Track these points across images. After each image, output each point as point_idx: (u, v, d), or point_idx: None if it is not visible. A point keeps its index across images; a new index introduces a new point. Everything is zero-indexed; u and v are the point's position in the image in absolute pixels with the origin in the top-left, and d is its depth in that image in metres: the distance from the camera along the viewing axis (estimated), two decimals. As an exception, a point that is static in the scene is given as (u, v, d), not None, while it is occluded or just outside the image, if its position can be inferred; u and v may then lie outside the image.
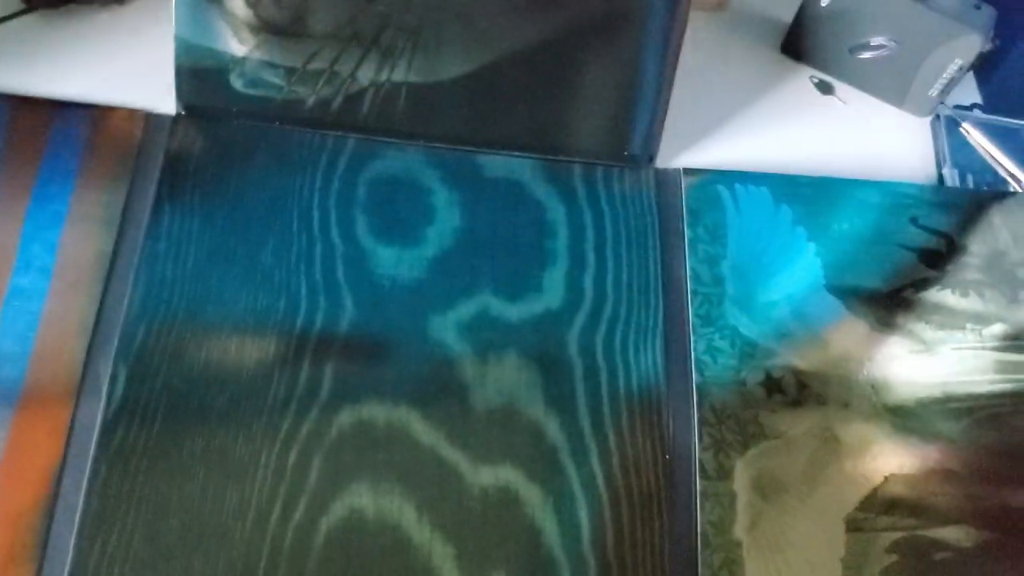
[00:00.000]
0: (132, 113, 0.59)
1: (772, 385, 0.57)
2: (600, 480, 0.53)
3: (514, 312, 0.57)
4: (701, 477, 0.54)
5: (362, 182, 0.60)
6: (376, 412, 0.53)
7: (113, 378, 0.51)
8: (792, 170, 0.64)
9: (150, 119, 0.59)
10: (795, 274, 0.60)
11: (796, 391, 0.57)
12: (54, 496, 0.48)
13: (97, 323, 0.53)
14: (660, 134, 0.63)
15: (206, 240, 0.56)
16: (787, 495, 0.54)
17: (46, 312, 0.52)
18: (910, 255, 0.62)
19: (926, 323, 0.60)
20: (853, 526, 0.54)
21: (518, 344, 0.56)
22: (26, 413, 0.50)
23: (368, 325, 0.55)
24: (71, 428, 0.50)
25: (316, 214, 0.58)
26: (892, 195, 0.64)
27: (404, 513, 0.51)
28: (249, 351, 0.53)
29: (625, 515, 0.53)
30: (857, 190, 0.64)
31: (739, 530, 0.53)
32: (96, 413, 0.50)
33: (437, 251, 0.58)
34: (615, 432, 0.54)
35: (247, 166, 0.59)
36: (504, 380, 0.55)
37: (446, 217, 0.59)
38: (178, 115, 0.60)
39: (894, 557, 0.54)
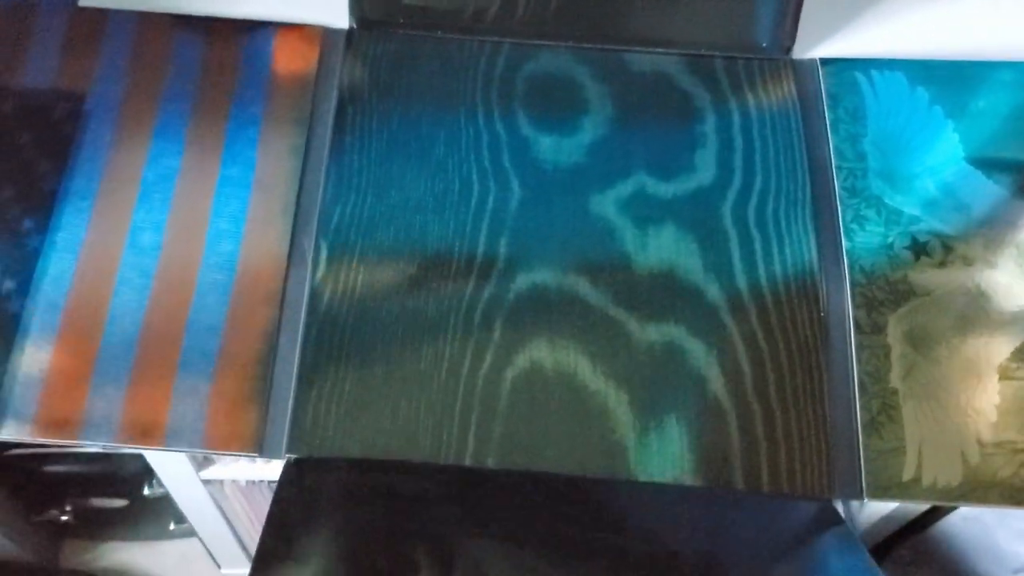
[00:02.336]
0: (311, 29, 0.66)
1: (919, 248, 0.60)
2: (760, 335, 0.57)
3: (669, 189, 0.61)
4: (856, 332, 0.57)
5: (519, 80, 0.65)
6: (548, 277, 0.58)
7: (316, 251, 0.57)
8: (927, 56, 0.67)
9: (327, 33, 0.66)
10: (935, 148, 0.63)
11: (942, 253, 0.60)
12: (273, 351, 0.55)
13: (298, 206, 0.59)
14: (796, 26, 0.66)
15: (385, 135, 0.62)
16: (939, 347, 0.57)
17: (253, 197, 0.59)
18: (1047, 127, 0.64)
19: (1068, 189, 0.62)
20: (1006, 375, 0.57)
21: (675, 217, 0.60)
22: (244, 281, 0.56)
23: (535, 203, 0.60)
24: (283, 295, 0.56)
25: (480, 110, 0.63)
26: (1026, 73, 0.66)
27: (579, 365, 0.56)
28: (431, 228, 0.59)
29: (785, 366, 0.56)
30: (991, 71, 0.66)
31: (895, 379, 0.56)
32: (304, 282, 0.57)
33: (593, 138, 0.63)
34: (771, 292, 0.58)
35: (415, 70, 0.65)
36: (663, 249, 0.59)
37: (599, 108, 0.64)
38: (351, 29, 0.66)
39: (1048, 403, 0.56)
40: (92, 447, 0.53)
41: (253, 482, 0.84)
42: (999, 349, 0.58)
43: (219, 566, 1.05)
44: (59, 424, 0.52)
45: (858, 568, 0.53)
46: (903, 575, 1.02)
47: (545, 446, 0.54)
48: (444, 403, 0.54)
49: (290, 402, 0.53)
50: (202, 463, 0.78)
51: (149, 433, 0.52)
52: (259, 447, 0.52)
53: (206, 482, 0.81)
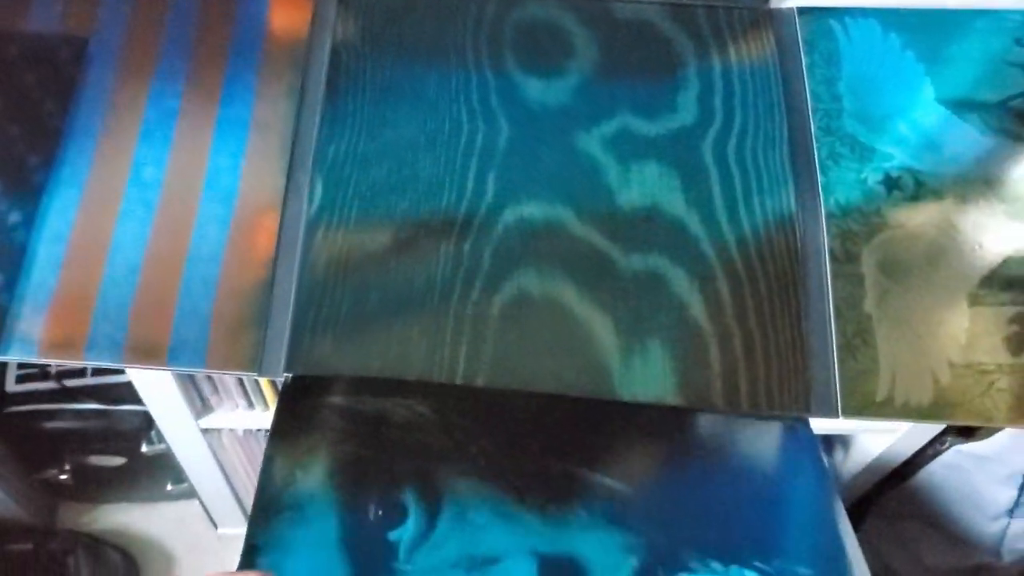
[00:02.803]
0: (306, -21, 0.68)
1: (891, 183, 0.62)
2: (739, 264, 0.59)
3: (652, 128, 0.63)
4: (831, 261, 0.60)
5: (508, 27, 0.67)
6: (535, 210, 0.60)
7: (312, 186, 0.60)
8: (901, 5, 0.70)
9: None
10: (907, 90, 0.65)
11: (914, 188, 0.62)
12: (272, 279, 0.57)
13: (294, 144, 0.61)
14: (774, -24, 0.69)
15: (378, 78, 0.64)
16: (911, 275, 0.60)
17: (251, 136, 0.61)
18: (1016, 71, 0.67)
19: (1035, 128, 0.65)
20: (975, 301, 0.59)
21: (658, 155, 0.62)
22: (243, 213, 0.58)
23: (522, 141, 0.62)
24: (281, 226, 0.58)
25: (470, 54, 0.66)
26: (997, 20, 0.69)
27: (565, 292, 0.58)
28: (423, 165, 0.61)
29: (763, 292, 0.59)
30: (963, 18, 0.69)
31: (869, 305, 0.59)
32: (300, 215, 0.59)
33: (579, 81, 0.65)
34: (750, 224, 0.60)
35: (408, 17, 0.67)
36: (647, 184, 0.61)
37: (585, 52, 0.66)
38: (345, -21, 0.69)
39: (1015, 327, 0.59)
40: (97, 365, 0.54)
41: (250, 431, 0.86)
42: (968, 277, 0.60)
43: (216, 526, 1.07)
44: (64, 346, 0.54)
45: (818, 487, 0.55)
46: (888, 527, 1.05)
47: (533, 367, 0.56)
48: (436, 327, 0.56)
49: (288, 326, 0.55)
50: (200, 411, 0.80)
51: (152, 353, 0.54)
52: (258, 367, 0.54)
53: (204, 431, 0.83)
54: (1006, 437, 0.90)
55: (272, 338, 0.55)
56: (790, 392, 0.57)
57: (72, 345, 0.54)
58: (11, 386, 0.92)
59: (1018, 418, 0.57)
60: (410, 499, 0.53)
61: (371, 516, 0.52)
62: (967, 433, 0.92)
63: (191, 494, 1.01)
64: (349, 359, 0.55)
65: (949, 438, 0.93)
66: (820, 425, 0.78)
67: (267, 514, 0.51)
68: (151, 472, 1.03)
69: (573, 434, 0.57)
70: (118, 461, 0.98)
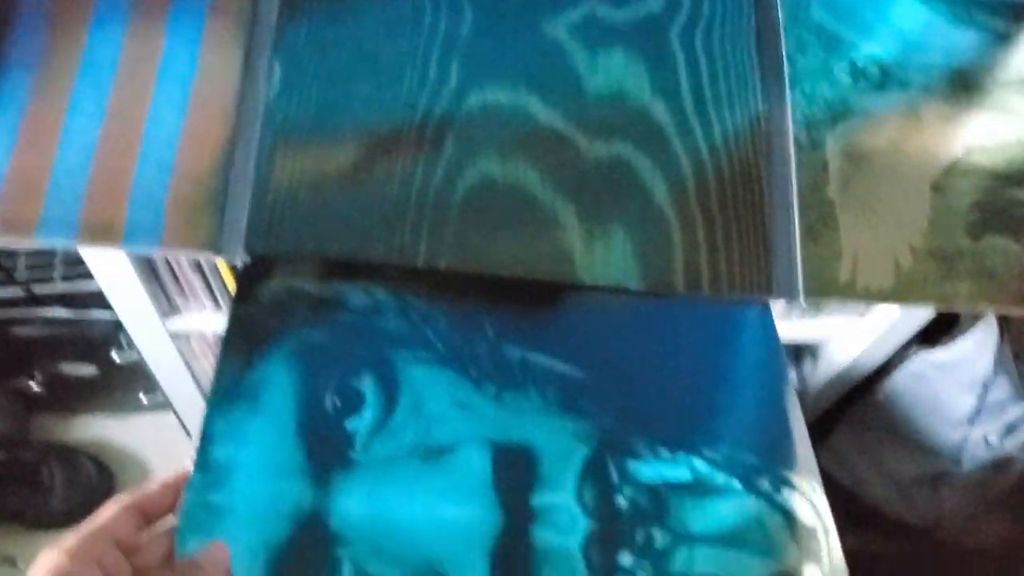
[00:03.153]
0: None
1: (857, 72, 0.62)
2: (704, 151, 0.59)
3: (619, 15, 0.62)
4: (796, 148, 0.59)
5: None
6: (500, 95, 0.59)
7: (270, 70, 0.58)
8: None
9: None
10: (876, -21, 0.65)
11: (880, 77, 0.62)
12: (229, 162, 0.56)
13: (252, 28, 0.60)
14: None
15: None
16: (875, 163, 0.60)
17: (207, 20, 0.60)
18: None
19: (1000, 17, 0.64)
20: (937, 188, 0.59)
21: (624, 42, 0.61)
22: (199, 97, 0.57)
23: (487, 27, 0.61)
24: (238, 110, 0.57)
25: (433, -61, 0.64)
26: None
27: (528, 178, 0.57)
28: (383, 52, 0.60)
29: (727, 179, 0.58)
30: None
31: (832, 191, 0.59)
32: (259, 99, 0.58)
33: (544, -33, 0.64)
34: (715, 111, 0.60)
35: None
36: (613, 71, 0.61)
37: (550, -61, 0.65)
38: None
39: (976, 214, 0.59)
40: (49, 245, 0.54)
41: (219, 337, 0.86)
42: (932, 165, 0.60)
43: (191, 436, 1.07)
44: (15, 226, 0.53)
45: (772, 376, 0.56)
46: (855, 437, 1.07)
47: (495, 251, 0.56)
48: (397, 211, 0.56)
49: (246, 208, 0.55)
50: (168, 311, 0.80)
51: (106, 234, 0.53)
52: (217, 248, 0.54)
53: (174, 336, 0.83)
54: (969, 345, 0.91)
55: (230, 220, 0.55)
56: (752, 276, 0.57)
57: (24, 226, 0.53)
58: (-23, 294, 0.92)
59: (977, 301, 0.57)
60: (368, 387, 0.53)
61: (328, 406, 0.52)
62: (931, 340, 0.93)
63: (165, 405, 1.01)
64: (308, 242, 0.55)
65: (914, 346, 0.94)
66: (789, 333, 0.79)
67: (223, 403, 0.51)
68: (124, 383, 1.03)
69: (531, 319, 0.57)
70: (90, 370, 0.98)
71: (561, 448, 0.52)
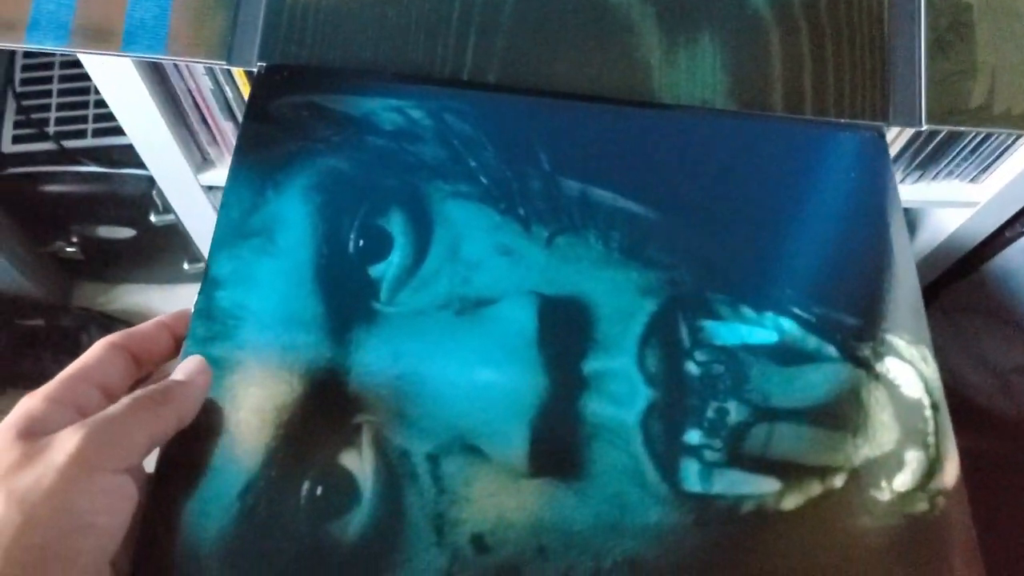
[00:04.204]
0: None
1: None
2: (811, -56, 0.48)
3: None
4: (925, -59, 0.48)
5: None
6: None
7: None
8: None
9: None
10: None
11: None
12: (244, -42, 0.47)
13: None
14: None
15: None
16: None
17: None
18: None
19: None
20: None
21: None
22: None
23: None
24: None
25: None
26: None
27: (599, -24, 0.48)
28: None
29: (839, -21, 0.48)
30: None
31: (969, -6, 0.48)
32: None
33: None
34: None
35: None
36: None
37: None
38: None
39: None
40: (40, 48, 0.47)
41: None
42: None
43: (234, 306, 1.03)
44: (2, 26, 0.46)
45: (884, 220, 0.46)
46: (947, 321, 0.97)
47: (555, 62, 0.47)
48: (439, 14, 0.47)
49: (262, 8, 0.47)
50: (201, 165, 0.74)
51: (103, 38, 0.46)
52: (227, 55, 0.46)
53: (207, 190, 0.77)
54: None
55: (244, 22, 0.47)
56: (864, 96, 0.47)
57: (12, 26, 0.46)
58: (7, 146, 0.86)
59: None
60: (397, 225, 0.44)
61: (350, 246, 0.43)
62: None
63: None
64: (334, 49, 0.46)
65: (1026, 219, 0.83)
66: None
67: (231, 240, 0.43)
68: (165, 250, 0.98)
69: (596, 147, 0.47)
70: (127, 232, 0.93)
71: (623, 304, 0.43)
